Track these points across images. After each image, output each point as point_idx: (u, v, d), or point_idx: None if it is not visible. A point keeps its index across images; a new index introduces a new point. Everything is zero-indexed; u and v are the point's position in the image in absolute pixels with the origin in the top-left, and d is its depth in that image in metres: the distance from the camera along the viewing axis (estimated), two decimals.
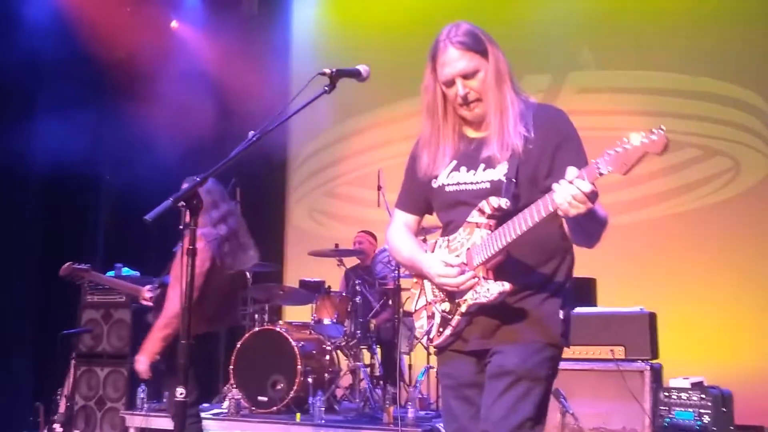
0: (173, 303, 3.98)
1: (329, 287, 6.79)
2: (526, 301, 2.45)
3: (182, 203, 2.47)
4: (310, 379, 5.90)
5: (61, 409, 6.25)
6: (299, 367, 5.89)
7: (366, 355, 6.63)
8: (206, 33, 8.66)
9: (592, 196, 2.12)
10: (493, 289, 2.35)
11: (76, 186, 7.49)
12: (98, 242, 7.86)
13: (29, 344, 7.12)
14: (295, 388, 5.87)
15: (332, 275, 7.20)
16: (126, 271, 6.43)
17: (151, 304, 4.46)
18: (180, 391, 2.47)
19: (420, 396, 6.20)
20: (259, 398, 5.98)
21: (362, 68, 2.69)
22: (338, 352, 6.51)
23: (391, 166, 7.12)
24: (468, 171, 2.54)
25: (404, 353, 6.54)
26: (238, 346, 6.18)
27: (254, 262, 4.43)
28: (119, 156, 7.68)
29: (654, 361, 5.13)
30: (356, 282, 6.55)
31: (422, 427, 5.38)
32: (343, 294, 6.63)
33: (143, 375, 4.04)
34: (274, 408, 5.90)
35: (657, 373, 5.11)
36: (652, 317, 5.22)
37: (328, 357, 6.34)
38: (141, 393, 6.18)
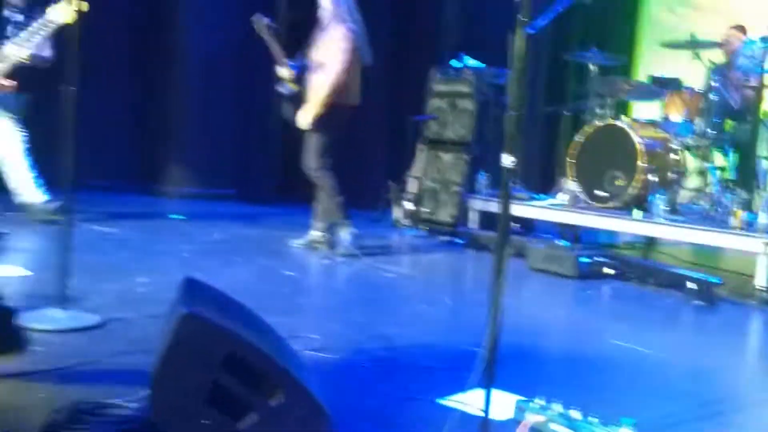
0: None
1: (680, 83, 6.27)
2: None
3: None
4: (651, 177, 5.65)
5: (411, 188, 6.74)
6: (641, 164, 5.65)
7: (717, 158, 6.14)
8: None
9: None
10: None
11: None
12: (446, 33, 7.97)
13: (382, 128, 7.71)
14: (634, 185, 5.68)
15: (686, 71, 6.60)
16: (466, 59, 6.57)
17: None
18: (511, 159, 2.46)
19: None
20: (597, 192, 5.91)
21: None
22: (686, 152, 6.10)
23: None
24: None
25: (763, 158, 5.94)
26: (578, 139, 6.08)
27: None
28: None
29: None
30: (713, 78, 5.94)
31: None
32: (696, 90, 6.08)
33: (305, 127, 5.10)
34: (612, 203, 5.80)
35: None
36: None
37: (674, 156, 5.98)
38: (481, 179, 6.45)
